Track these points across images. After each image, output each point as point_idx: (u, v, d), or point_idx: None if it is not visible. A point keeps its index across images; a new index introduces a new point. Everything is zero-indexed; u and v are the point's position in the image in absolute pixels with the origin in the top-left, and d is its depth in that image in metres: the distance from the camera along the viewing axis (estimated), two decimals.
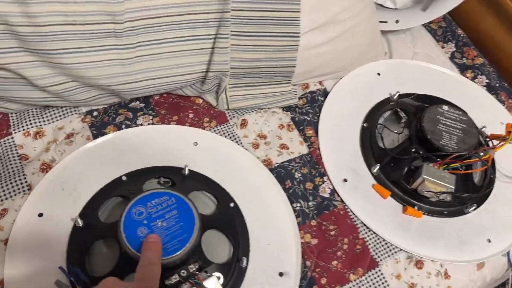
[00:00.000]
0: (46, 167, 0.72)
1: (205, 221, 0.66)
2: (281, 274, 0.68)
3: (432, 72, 0.98)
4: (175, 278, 0.60)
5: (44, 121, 0.76)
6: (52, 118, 0.77)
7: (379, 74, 0.95)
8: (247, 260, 0.68)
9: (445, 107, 0.82)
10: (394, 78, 0.95)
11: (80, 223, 0.66)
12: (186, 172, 0.73)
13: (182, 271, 0.61)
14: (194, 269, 0.62)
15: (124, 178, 0.72)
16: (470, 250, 0.77)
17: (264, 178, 0.77)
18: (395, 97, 0.90)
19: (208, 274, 0.62)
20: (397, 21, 0.98)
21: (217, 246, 0.70)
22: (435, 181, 0.74)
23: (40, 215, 0.68)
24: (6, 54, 0.67)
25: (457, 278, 0.74)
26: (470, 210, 0.80)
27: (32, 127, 0.75)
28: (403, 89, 0.91)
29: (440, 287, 0.73)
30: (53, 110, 0.78)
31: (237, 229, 0.71)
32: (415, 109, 0.85)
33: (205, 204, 0.73)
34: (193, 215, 0.63)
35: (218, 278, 0.63)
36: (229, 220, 0.71)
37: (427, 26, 1.06)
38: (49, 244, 0.66)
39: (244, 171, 0.77)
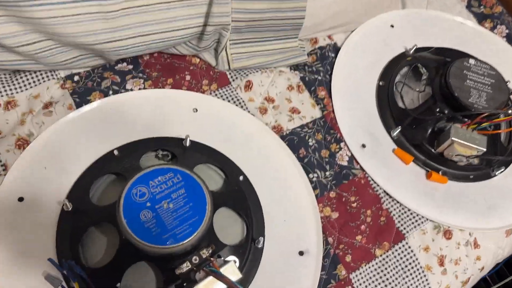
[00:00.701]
0: (23, 143, 0.61)
1: (213, 198, 0.57)
2: (301, 253, 0.61)
3: (449, 22, 0.89)
4: (186, 267, 0.52)
5: (16, 88, 0.65)
6: (25, 85, 0.65)
7: (392, 26, 0.85)
8: (263, 240, 0.60)
9: (472, 61, 0.74)
10: (409, 30, 0.85)
11: (69, 206, 0.57)
12: (188, 143, 0.64)
13: (194, 258, 0.53)
14: (207, 254, 0.53)
15: (116, 152, 0.62)
16: (498, 215, 0.71)
17: (276, 147, 0.68)
18: (412, 51, 0.81)
19: (223, 259, 0.55)
20: None
21: (229, 226, 0.62)
22: (466, 143, 0.67)
23: (21, 199, 0.58)
24: None
25: (486, 247, 0.69)
26: (497, 173, 0.74)
27: (2, 96, 0.64)
28: (419, 42, 0.83)
29: (469, 258, 0.68)
30: (26, 76, 0.66)
31: (249, 205, 0.63)
32: (436, 64, 0.77)
33: (211, 178, 0.65)
34: (203, 193, 0.54)
35: (235, 262, 0.55)
36: (240, 195, 0.63)
37: None
38: (34, 232, 0.56)
39: (253, 140, 0.68)
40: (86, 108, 0.66)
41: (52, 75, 0.67)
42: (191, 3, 0.66)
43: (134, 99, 0.68)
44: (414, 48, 0.81)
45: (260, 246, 0.60)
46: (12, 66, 0.63)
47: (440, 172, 0.72)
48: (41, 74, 0.66)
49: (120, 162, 0.62)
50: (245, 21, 0.70)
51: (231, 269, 0.52)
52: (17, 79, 0.65)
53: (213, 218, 0.56)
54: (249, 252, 0.59)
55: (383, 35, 0.84)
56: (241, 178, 0.64)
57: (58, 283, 0.52)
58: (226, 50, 0.73)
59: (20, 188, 0.59)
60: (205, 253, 0.53)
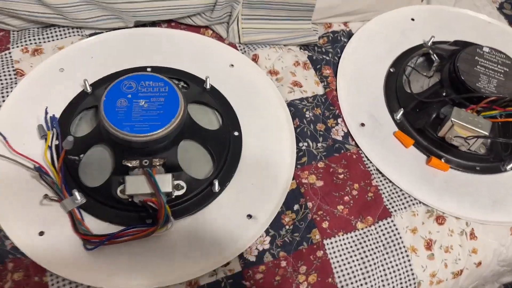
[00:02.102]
0: None
1: (199, 131, 0.63)
2: (249, 216, 0.61)
3: (475, 21, 0.87)
4: (134, 163, 0.57)
5: (44, 39, 0.73)
6: (52, 37, 0.73)
7: (413, 19, 0.85)
8: (221, 189, 0.62)
9: (486, 49, 0.71)
10: (430, 24, 0.84)
11: (89, 90, 0.67)
12: (208, 86, 0.69)
13: (145, 160, 0.58)
14: (158, 163, 0.57)
15: (148, 69, 0.70)
16: (503, 210, 0.66)
17: (280, 115, 0.70)
18: (429, 43, 0.80)
19: (167, 173, 0.57)
20: None
21: (200, 165, 0.64)
22: (466, 125, 0.64)
23: (61, 70, 0.70)
24: None
25: (485, 241, 0.64)
26: (508, 167, 0.69)
27: (31, 43, 0.72)
28: (440, 37, 0.81)
29: (463, 248, 0.63)
30: (55, 30, 0.74)
31: (226, 156, 0.64)
32: (451, 53, 0.75)
33: (210, 121, 0.69)
34: (176, 113, 0.59)
35: (181, 187, 0.59)
36: (224, 145, 0.65)
37: None
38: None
39: (264, 104, 0.71)
40: (125, 30, 0.75)
41: (78, 31, 0.74)
42: None
43: (174, 34, 0.77)
44: (432, 39, 0.79)
45: (215, 190, 0.61)
46: (43, 18, 0.71)
47: (442, 159, 0.68)
48: (68, 30, 0.74)
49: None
50: None
51: (165, 181, 0.55)
52: (46, 32, 0.73)
53: (178, 140, 0.61)
54: (204, 190, 0.61)
55: (402, 27, 0.83)
56: (235, 133, 0.67)
57: (43, 134, 0.61)
58: (237, 24, 0.77)
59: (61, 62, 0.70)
60: (156, 161, 0.57)
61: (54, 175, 0.59)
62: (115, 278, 0.55)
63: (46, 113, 0.62)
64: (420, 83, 0.76)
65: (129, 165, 0.58)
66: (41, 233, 0.57)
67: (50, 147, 0.60)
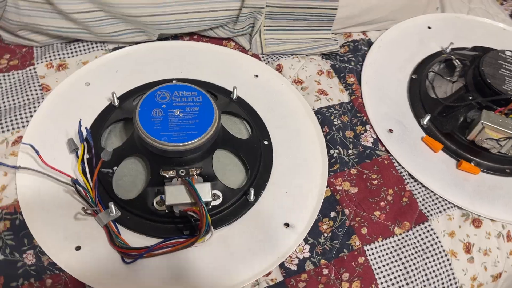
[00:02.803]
0: None
1: (231, 141, 0.63)
2: (287, 225, 0.60)
3: (491, 28, 0.88)
4: (171, 173, 0.57)
5: (68, 54, 0.72)
6: (76, 52, 0.73)
7: (429, 27, 0.86)
8: (256, 198, 0.61)
9: (508, 53, 0.72)
10: (447, 32, 0.86)
11: (116, 103, 0.66)
12: (235, 96, 0.69)
13: (182, 170, 0.57)
14: (195, 172, 0.57)
15: (174, 81, 0.69)
16: None
17: (308, 123, 0.70)
18: (448, 49, 0.81)
19: (204, 182, 0.57)
20: None
21: (233, 174, 0.64)
22: (496, 127, 0.64)
23: (87, 84, 0.70)
24: None
25: None
26: None
27: (55, 59, 0.72)
28: (458, 44, 0.82)
29: (501, 250, 0.63)
30: (78, 44, 0.74)
31: (259, 165, 0.64)
32: (472, 58, 0.76)
33: (239, 131, 0.69)
34: (212, 121, 0.58)
35: (217, 197, 0.59)
36: (256, 152, 0.65)
37: None
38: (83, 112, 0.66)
39: (291, 112, 0.71)
40: (151, 44, 0.76)
41: (101, 46, 0.74)
42: None
43: (204, 48, 0.77)
44: (450, 46, 0.81)
45: (251, 199, 0.60)
46: (67, 33, 0.71)
47: (472, 163, 0.69)
48: (92, 44, 0.74)
49: None
50: (279, 7, 0.75)
51: (205, 190, 0.54)
52: (70, 47, 0.73)
53: (214, 148, 0.61)
54: (239, 199, 0.61)
55: (419, 35, 0.84)
56: (265, 142, 0.66)
57: (74, 148, 0.61)
58: (260, 35, 0.77)
59: (89, 76, 0.71)
60: (193, 170, 0.57)
61: (88, 188, 0.57)
62: None
63: (80, 125, 0.61)
64: (443, 89, 0.77)
65: (166, 175, 0.57)
66: (78, 248, 0.55)
67: (82, 161, 0.59)
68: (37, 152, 0.59)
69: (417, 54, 0.81)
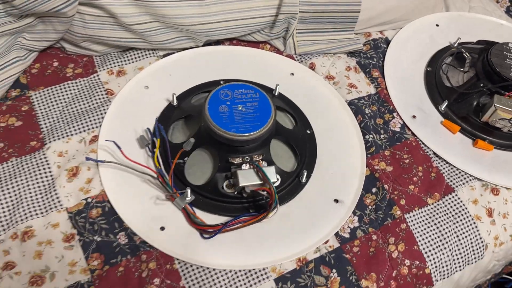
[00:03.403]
0: None
1: (281, 131, 0.72)
2: (336, 201, 0.70)
3: (490, 23, 0.99)
4: (238, 160, 0.66)
5: (125, 61, 0.81)
6: (132, 59, 0.81)
7: (437, 25, 0.97)
8: (308, 179, 0.71)
9: (511, 45, 0.83)
10: (453, 29, 0.96)
11: (175, 102, 0.74)
12: (276, 92, 0.78)
13: (246, 157, 0.66)
14: (258, 158, 0.67)
15: (222, 82, 0.78)
16: None
17: (343, 113, 0.80)
18: (456, 44, 0.91)
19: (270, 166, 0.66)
20: None
21: (284, 158, 0.73)
22: (508, 108, 0.75)
23: (146, 87, 0.78)
24: None
25: None
26: None
27: (115, 66, 0.80)
28: (463, 38, 0.93)
29: None
30: (133, 52, 0.82)
31: (306, 151, 0.73)
32: (479, 50, 0.87)
33: (284, 122, 0.77)
34: (270, 113, 0.68)
35: (276, 179, 0.67)
36: (303, 140, 0.74)
37: None
38: (147, 112, 0.75)
39: (327, 105, 0.81)
40: (200, 49, 0.85)
41: (153, 53, 0.83)
42: None
43: (244, 51, 0.87)
44: (458, 41, 0.91)
45: (303, 180, 0.70)
46: (125, 43, 0.79)
47: (486, 141, 0.79)
48: (145, 52, 0.82)
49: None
50: (309, 12, 0.85)
51: (271, 172, 0.64)
52: (126, 55, 0.81)
53: (271, 137, 0.69)
54: (293, 181, 0.70)
55: (429, 32, 0.95)
56: (308, 131, 0.75)
57: (145, 143, 0.70)
58: (293, 37, 0.87)
59: (145, 80, 0.79)
60: (256, 157, 0.66)
61: (165, 176, 0.66)
62: (235, 258, 0.62)
63: (156, 123, 0.69)
64: (456, 79, 0.87)
65: (234, 162, 0.66)
66: (162, 228, 0.64)
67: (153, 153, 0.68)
68: (119, 148, 0.67)
69: (429, 49, 0.92)
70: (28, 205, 0.63)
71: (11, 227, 0.61)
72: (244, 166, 0.65)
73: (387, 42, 0.92)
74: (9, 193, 0.64)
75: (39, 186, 0.65)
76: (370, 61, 0.88)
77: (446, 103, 0.82)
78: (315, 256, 0.64)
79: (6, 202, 0.63)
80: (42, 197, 0.64)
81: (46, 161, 0.67)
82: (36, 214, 0.62)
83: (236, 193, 0.66)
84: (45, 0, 0.69)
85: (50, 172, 0.67)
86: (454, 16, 0.99)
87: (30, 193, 0.64)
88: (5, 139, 0.70)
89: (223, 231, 0.63)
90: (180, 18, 0.77)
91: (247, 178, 0.63)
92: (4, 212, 0.62)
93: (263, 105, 0.68)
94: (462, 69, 0.86)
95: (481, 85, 0.81)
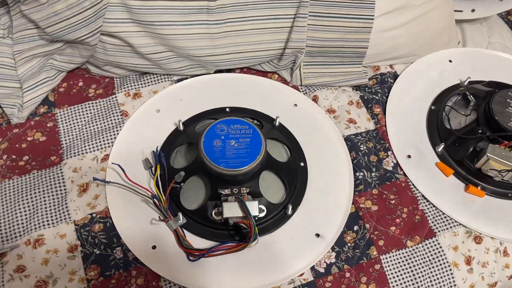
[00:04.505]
0: None
1: (273, 163, 0.77)
2: (317, 235, 0.74)
3: (508, 62, 0.98)
4: (227, 191, 0.72)
5: (141, 84, 0.88)
6: (148, 83, 0.89)
7: (450, 61, 0.97)
8: (293, 212, 0.75)
9: None
10: (467, 65, 0.96)
11: (181, 127, 0.81)
12: (277, 123, 0.83)
13: (235, 189, 0.72)
14: (245, 191, 0.72)
15: (227, 109, 0.86)
16: None
17: (338, 148, 0.83)
18: (466, 83, 0.92)
19: (253, 199, 0.71)
20: (473, 10, 1.00)
21: (274, 191, 0.78)
22: (500, 160, 0.76)
23: (157, 111, 0.85)
24: (118, 24, 0.79)
25: None
26: None
27: (132, 88, 0.88)
28: (475, 77, 0.93)
29: (498, 264, 0.75)
30: (150, 77, 0.89)
31: (296, 184, 0.78)
32: (485, 93, 0.87)
33: (280, 154, 0.82)
34: (260, 150, 0.73)
35: (262, 210, 0.73)
36: (294, 174, 0.79)
37: (504, 17, 1.06)
38: (155, 134, 0.82)
39: (324, 138, 0.85)
40: (207, 76, 0.91)
41: (168, 78, 0.90)
42: (276, 30, 0.85)
43: (249, 79, 0.92)
44: (468, 80, 0.91)
45: (289, 213, 0.75)
46: (142, 69, 0.87)
47: (478, 187, 0.80)
48: (160, 76, 0.90)
49: (227, 115, 0.83)
50: (317, 47, 0.88)
51: (254, 206, 0.69)
52: (143, 78, 0.89)
53: (260, 171, 0.75)
54: (279, 213, 0.75)
55: (440, 68, 0.95)
56: (302, 164, 0.80)
57: (149, 166, 0.77)
58: (300, 69, 0.91)
59: (159, 103, 0.87)
60: (244, 189, 0.72)
61: (162, 200, 0.73)
62: (214, 283, 0.69)
63: (157, 151, 0.77)
64: (458, 120, 0.88)
65: (223, 192, 0.72)
66: (154, 247, 0.71)
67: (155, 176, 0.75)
68: (123, 170, 0.75)
69: (437, 86, 0.93)
70: (42, 215, 0.73)
71: (26, 234, 0.71)
72: (230, 198, 0.71)
73: (395, 76, 0.94)
74: (27, 202, 0.74)
75: (53, 198, 0.74)
76: (374, 96, 0.91)
77: (443, 145, 0.83)
78: (288, 287, 0.69)
79: (25, 210, 0.73)
80: (54, 209, 0.73)
81: (62, 175, 0.77)
82: (48, 224, 0.72)
83: (222, 220, 0.72)
84: (72, 31, 0.78)
85: (64, 186, 0.76)
86: (469, 52, 0.99)
87: (45, 204, 0.74)
88: (30, 152, 0.79)
89: (207, 255, 0.70)
90: (191, 50, 0.83)
91: (231, 210, 0.69)
92: (22, 219, 0.72)
93: (255, 141, 0.73)
94: (463, 113, 0.87)
95: (480, 131, 0.81)
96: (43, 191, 0.75)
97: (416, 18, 0.89)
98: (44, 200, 0.74)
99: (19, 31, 0.82)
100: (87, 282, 0.68)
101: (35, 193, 0.75)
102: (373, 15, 0.85)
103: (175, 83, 0.89)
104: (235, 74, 0.92)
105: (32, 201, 0.74)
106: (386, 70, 0.95)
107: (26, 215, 0.73)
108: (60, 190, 0.75)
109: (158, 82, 0.89)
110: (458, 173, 0.82)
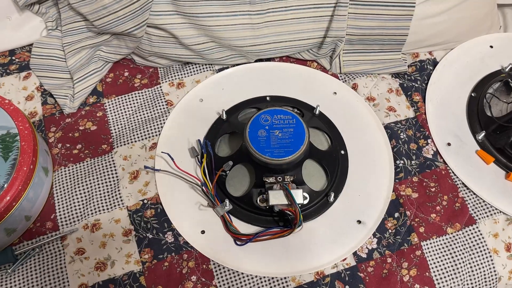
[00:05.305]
0: None
1: (315, 152, 0.79)
2: (359, 222, 0.76)
3: None
4: (272, 179, 0.75)
5: (184, 74, 0.91)
6: (191, 72, 0.91)
7: (491, 46, 0.96)
8: (335, 199, 0.78)
9: None
10: (508, 51, 0.95)
11: (224, 116, 0.84)
12: (317, 112, 0.85)
13: (279, 177, 0.75)
14: (289, 179, 0.75)
15: (268, 98, 0.88)
16: None
17: (378, 136, 0.85)
18: (507, 69, 0.91)
19: (297, 187, 0.74)
20: None
21: (315, 177, 0.80)
22: None
23: (201, 100, 0.88)
24: (164, 16, 0.82)
25: None
26: None
27: (175, 78, 0.90)
28: None
29: None
30: (192, 66, 0.92)
31: (338, 172, 0.80)
32: None
33: (320, 142, 0.84)
34: (303, 140, 0.75)
35: (305, 198, 0.75)
36: (335, 162, 0.81)
37: None
38: (199, 124, 0.85)
39: (364, 126, 0.86)
40: (250, 65, 0.93)
41: (209, 67, 0.92)
42: (316, 19, 0.86)
43: (291, 68, 0.93)
44: (510, 66, 0.91)
45: (331, 200, 0.77)
46: (185, 59, 0.90)
47: None
48: (202, 66, 0.92)
49: (267, 104, 0.87)
50: (356, 35, 0.89)
51: (299, 194, 0.72)
52: (186, 68, 0.92)
53: (304, 160, 0.77)
54: (321, 200, 0.77)
55: (481, 54, 0.95)
56: (342, 152, 0.82)
57: (196, 154, 0.80)
58: (339, 57, 0.92)
59: (200, 93, 0.89)
60: (288, 178, 0.74)
61: (209, 187, 0.77)
62: (261, 266, 0.72)
63: (205, 140, 0.79)
64: (499, 107, 0.88)
65: (267, 181, 0.75)
66: (203, 232, 0.75)
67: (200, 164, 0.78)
68: (172, 159, 0.79)
69: (478, 72, 0.92)
70: (97, 200, 0.77)
71: (84, 219, 0.75)
72: (275, 187, 0.74)
73: (435, 63, 0.94)
74: (83, 189, 0.78)
75: (106, 185, 0.79)
76: (413, 83, 0.91)
77: (484, 133, 0.84)
78: (332, 271, 0.73)
79: (81, 196, 0.78)
80: (108, 195, 0.78)
81: (113, 163, 0.81)
82: (103, 209, 0.76)
83: (267, 207, 0.75)
84: (119, 23, 0.81)
85: (116, 173, 0.80)
86: (510, 38, 0.97)
87: (99, 190, 0.78)
88: (83, 141, 0.84)
89: (253, 240, 0.74)
90: (234, 40, 0.85)
91: (277, 198, 0.72)
92: (79, 204, 0.77)
93: (298, 131, 0.75)
94: (505, 101, 0.86)
95: None
96: (97, 178, 0.79)
97: (458, 4, 0.88)
98: (99, 187, 0.78)
99: (68, 24, 0.86)
100: (142, 264, 0.72)
101: (89, 180, 0.79)
102: (414, 2, 0.85)
103: (217, 72, 0.92)
104: (275, 63, 0.94)
105: (87, 188, 0.78)
106: (426, 57, 0.95)
107: (82, 200, 0.77)
108: (113, 177, 0.80)
109: (200, 72, 0.92)
110: (499, 161, 0.82)
